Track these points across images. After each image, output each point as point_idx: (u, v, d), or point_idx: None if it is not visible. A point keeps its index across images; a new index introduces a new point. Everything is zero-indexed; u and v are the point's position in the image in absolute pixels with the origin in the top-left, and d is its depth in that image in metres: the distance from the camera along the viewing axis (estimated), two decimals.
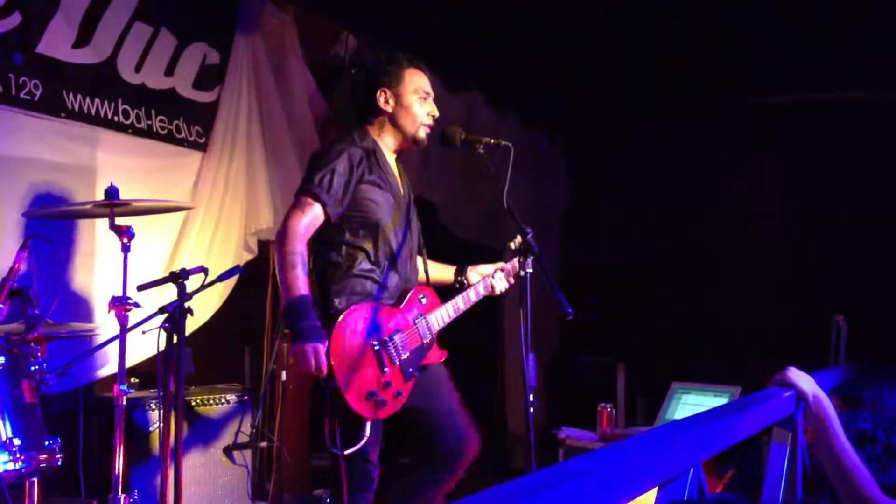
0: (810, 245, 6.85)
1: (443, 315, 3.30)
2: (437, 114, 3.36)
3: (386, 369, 3.04)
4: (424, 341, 3.20)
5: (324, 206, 3.09)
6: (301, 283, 2.99)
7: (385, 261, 3.20)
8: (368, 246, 3.17)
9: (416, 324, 3.19)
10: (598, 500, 1.31)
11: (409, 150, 3.44)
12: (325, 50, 5.21)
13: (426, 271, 3.52)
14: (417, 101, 3.30)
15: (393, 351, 3.07)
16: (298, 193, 3.14)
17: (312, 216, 3.09)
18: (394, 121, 3.31)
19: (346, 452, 2.96)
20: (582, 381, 6.82)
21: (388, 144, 3.33)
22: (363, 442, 2.97)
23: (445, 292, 3.47)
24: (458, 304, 3.37)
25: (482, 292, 3.48)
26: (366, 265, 3.17)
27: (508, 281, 3.56)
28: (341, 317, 3.00)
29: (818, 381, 2.39)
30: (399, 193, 3.31)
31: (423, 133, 3.33)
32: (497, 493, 1.16)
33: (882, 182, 6.66)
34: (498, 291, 3.55)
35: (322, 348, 2.93)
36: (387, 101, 3.30)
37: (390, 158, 3.34)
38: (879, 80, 6.39)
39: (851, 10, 5.24)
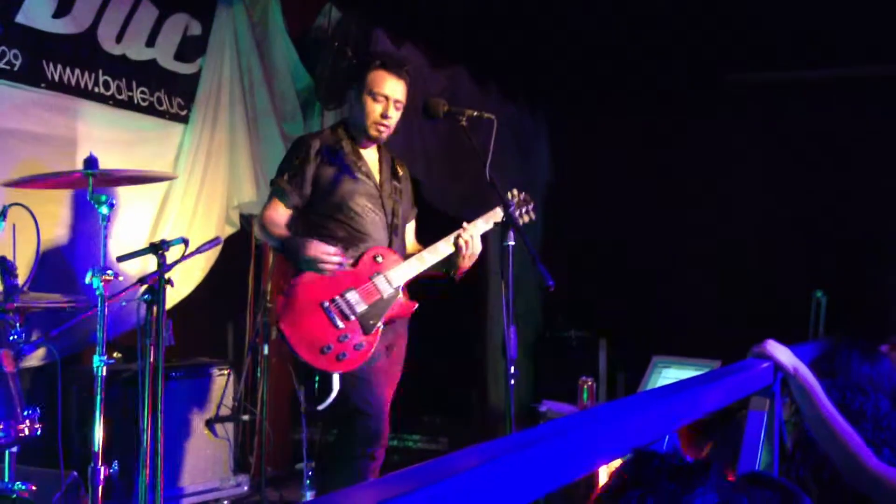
0: (792, 220, 6.88)
1: (405, 269, 3.44)
2: (390, 116, 3.51)
3: (340, 324, 3.25)
4: (384, 295, 3.36)
5: (290, 197, 3.45)
6: (283, 231, 3.43)
7: (350, 236, 3.43)
8: (331, 224, 3.45)
9: (371, 280, 3.37)
10: (572, 463, 1.32)
11: (375, 143, 3.63)
12: (308, 22, 5.17)
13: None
14: (371, 102, 3.49)
15: (345, 307, 3.29)
16: (271, 186, 3.53)
17: (287, 207, 3.47)
18: (352, 116, 3.60)
19: (320, 407, 3.25)
20: (565, 356, 6.84)
21: (353, 137, 3.58)
22: (333, 396, 3.20)
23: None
24: (423, 256, 3.48)
25: (451, 246, 3.48)
26: (330, 240, 3.39)
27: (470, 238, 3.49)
28: (288, 286, 3.32)
29: (797, 353, 2.40)
30: (371, 178, 3.54)
31: (373, 131, 3.53)
32: (478, 451, 1.17)
33: (861, 157, 6.69)
34: (466, 248, 3.47)
35: (313, 243, 3.31)
36: (349, 99, 3.62)
37: (363, 148, 3.58)
38: (854, 57, 6.42)
39: None
